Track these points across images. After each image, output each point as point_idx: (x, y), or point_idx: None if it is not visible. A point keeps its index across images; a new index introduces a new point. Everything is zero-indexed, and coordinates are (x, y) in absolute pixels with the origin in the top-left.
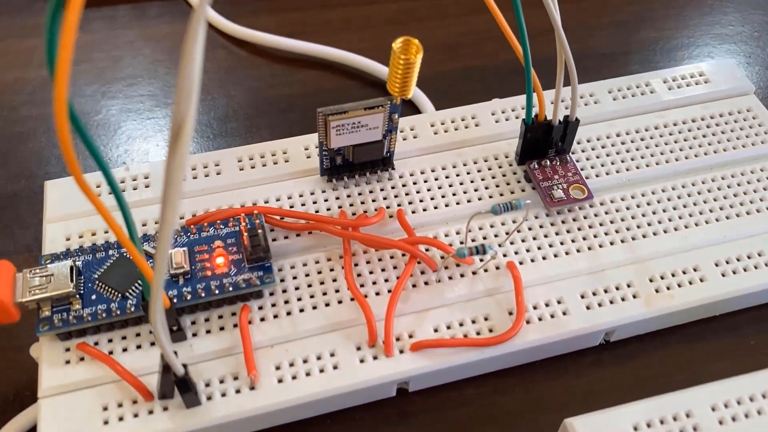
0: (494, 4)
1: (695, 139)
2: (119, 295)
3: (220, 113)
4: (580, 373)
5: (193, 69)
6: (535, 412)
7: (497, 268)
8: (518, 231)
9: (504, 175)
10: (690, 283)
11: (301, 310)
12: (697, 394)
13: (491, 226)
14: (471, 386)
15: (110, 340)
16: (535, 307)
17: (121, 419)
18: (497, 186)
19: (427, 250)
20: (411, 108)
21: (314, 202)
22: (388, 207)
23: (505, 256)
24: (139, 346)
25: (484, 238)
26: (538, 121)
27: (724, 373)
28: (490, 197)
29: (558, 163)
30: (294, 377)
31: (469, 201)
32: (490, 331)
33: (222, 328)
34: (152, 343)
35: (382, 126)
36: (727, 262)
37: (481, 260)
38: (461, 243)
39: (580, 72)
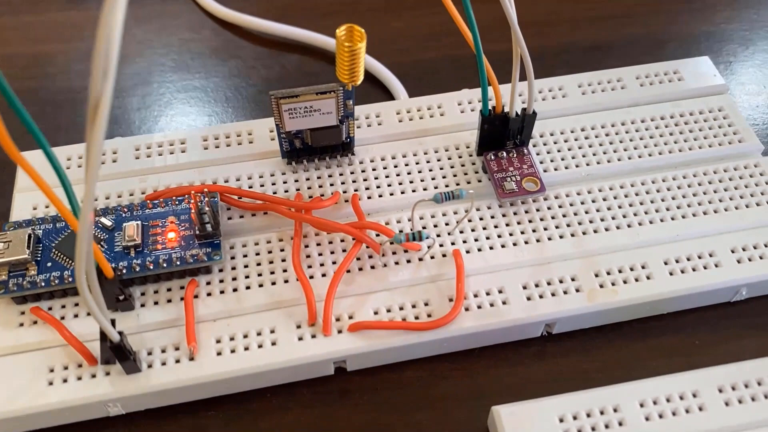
0: None
1: (661, 137)
2: (73, 263)
3: (199, 93)
4: (521, 363)
5: (110, 46)
6: (471, 398)
7: (444, 255)
8: (469, 220)
9: (463, 165)
10: (636, 280)
11: (247, 288)
12: (627, 389)
13: (443, 215)
14: (410, 369)
15: (63, 306)
16: (475, 295)
17: (65, 381)
18: (455, 175)
19: (377, 235)
20: (385, 94)
21: (273, 184)
22: (345, 192)
23: (453, 244)
24: (90, 313)
25: (435, 226)
26: (495, 113)
27: (664, 370)
28: (446, 186)
29: (515, 155)
30: (233, 351)
31: (425, 189)
32: (429, 316)
33: (169, 301)
34: None
35: (336, 111)
36: (677, 261)
37: (429, 247)
38: (411, 230)
39: (559, 65)
